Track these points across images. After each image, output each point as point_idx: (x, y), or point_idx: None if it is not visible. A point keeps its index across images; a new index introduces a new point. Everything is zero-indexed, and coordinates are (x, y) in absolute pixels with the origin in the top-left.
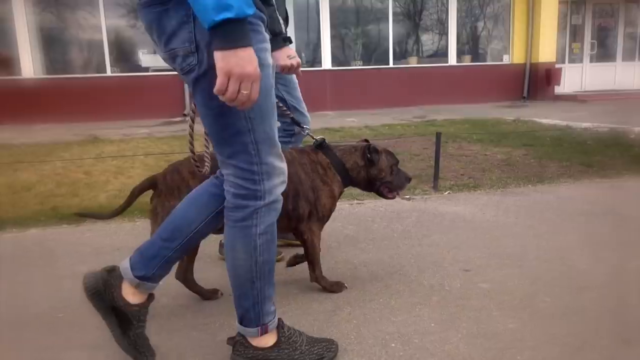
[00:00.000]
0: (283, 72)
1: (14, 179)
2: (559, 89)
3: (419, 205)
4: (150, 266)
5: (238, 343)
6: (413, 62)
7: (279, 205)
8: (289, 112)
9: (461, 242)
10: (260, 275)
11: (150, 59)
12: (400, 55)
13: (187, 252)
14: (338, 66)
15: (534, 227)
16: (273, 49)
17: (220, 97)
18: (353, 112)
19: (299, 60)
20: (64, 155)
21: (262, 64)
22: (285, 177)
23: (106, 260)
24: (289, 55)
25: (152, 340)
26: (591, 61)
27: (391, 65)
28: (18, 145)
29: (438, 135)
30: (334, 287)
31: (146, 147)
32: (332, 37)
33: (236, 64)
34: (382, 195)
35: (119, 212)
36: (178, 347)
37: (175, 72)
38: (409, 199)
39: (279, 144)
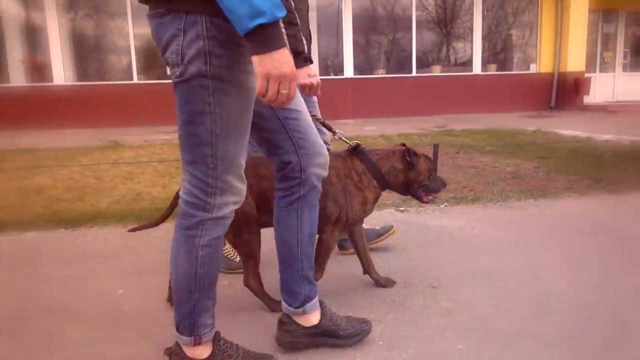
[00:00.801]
0: (303, 91)
1: (29, 182)
2: (588, 99)
3: (410, 218)
4: (297, 293)
5: (174, 353)
6: (437, 71)
7: (228, 222)
8: (319, 118)
9: (439, 257)
10: (199, 287)
11: None
12: (424, 64)
13: (312, 259)
14: (360, 74)
15: (519, 244)
16: (295, 68)
17: (262, 99)
18: (374, 120)
19: (319, 80)
20: (82, 160)
21: (242, 87)
22: (240, 199)
23: (88, 266)
24: (309, 74)
25: None
26: (624, 70)
27: (414, 74)
28: (43, 149)
29: (435, 147)
30: (382, 282)
31: (162, 153)
32: (355, 45)
33: (273, 66)
34: (418, 198)
35: (164, 217)
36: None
37: None
38: (439, 203)
39: (242, 165)
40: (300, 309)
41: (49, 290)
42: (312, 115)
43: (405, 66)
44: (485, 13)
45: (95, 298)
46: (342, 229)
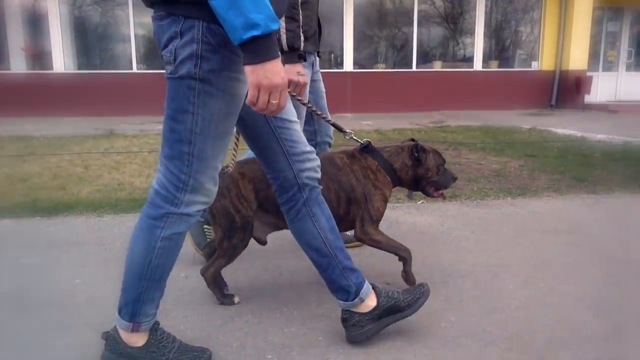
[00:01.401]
0: (289, 88)
1: (18, 170)
2: (590, 98)
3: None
4: (347, 286)
5: (111, 337)
6: (438, 67)
7: (193, 220)
8: (329, 120)
9: None
10: (149, 277)
11: None
12: (425, 59)
13: (344, 249)
14: (360, 68)
15: (485, 242)
16: (286, 62)
17: (253, 108)
18: (373, 115)
19: (306, 80)
20: (75, 148)
21: (229, 92)
22: (210, 201)
23: (52, 254)
24: (299, 72)
25: None
26: (628, 70)
27: (415, 69)
28: (37, 137)
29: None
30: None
31: (154, 144)
32: (355, 39)
33: (264, 77)
34: (427, 194)
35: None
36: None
37: None
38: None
39: (218, 167)
40: (357, 299)
41: (6, 277)
42: (323, 117)
43: (405, 61)
44: (488, 9)
45: (50, 287)
46: (374, 225)
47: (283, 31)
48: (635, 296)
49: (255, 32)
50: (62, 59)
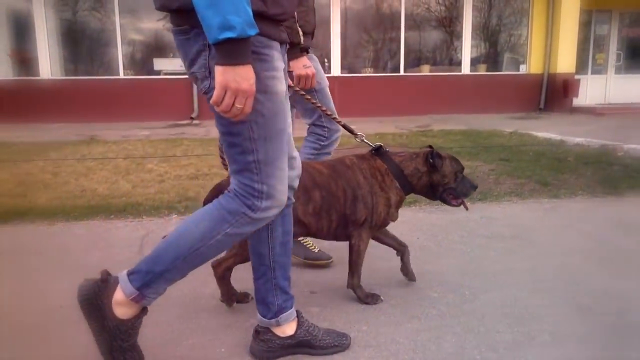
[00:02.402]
0: (299, 82)
1: None
2: (579, 101)
3: None
4: (271, 303)
5: (104, 281)
6: (425, 71)
7: (259, 225)
8: (340, 120)
9: (334, 261)
10: (189, 260)
11: (163, 63)
12: (413, 64)
13: (287, 268)
14: (347, 73)
15: (427, 249)
16: (290, 58)
17: (215, 108)
18: (360, 119)
19: (313, 70)
20: (52, 155)
21: (266, 91)
22: (283, 203)
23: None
24: (305, 64)
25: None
26: (616, 73)
27: (402, 73)
28: (16, 143)
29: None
30: (369, 299)
31: (132, 150)
32: (342, 44)
33: (232, 80)
34: (445, 202)
35: None
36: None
37: (185, 76)
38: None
39: (285, 169)
40: (274, 320)
41: None
42: (327, 114)
43: (393, 65)
44: (476, 13)
45: None
46: (370, 233)
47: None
48: (555, 304)
49: (231, 35)
50: (48, 64)
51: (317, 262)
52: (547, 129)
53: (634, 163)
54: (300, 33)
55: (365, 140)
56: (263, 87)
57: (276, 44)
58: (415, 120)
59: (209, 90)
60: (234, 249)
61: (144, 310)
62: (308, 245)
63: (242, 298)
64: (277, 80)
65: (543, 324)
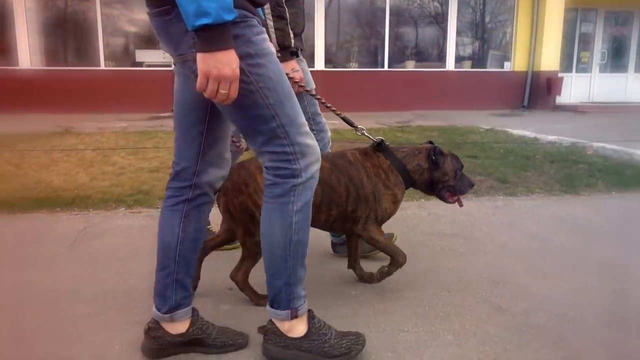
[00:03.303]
0: None
1: None
2: (563, 99)
3: None
4: (168, 298)
5: (270, 331)
6: (410, 66)
7: (315, 183)
8: (339, 113)
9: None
10: (293, 255)
11: (145, 54)
12: (397, 59)
13: (192, 266)
14: (332, 68)
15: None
16: (280, 61)
17: (204, 94)
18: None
19: (301, 74)
20: (21, 146)
21: (265, 53)
22: (319, 156)
23: None
24: (294, 68)
25: None
26: (601, 71)
27: (387, 68)
28: None
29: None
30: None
31: (104, 142)
32: (326, 38)
33: (214, 66)
34: (443, 198)
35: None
36: None
37: (168, 68)
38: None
39: (305, 122)
40: (169, 315)
41: None
42: (327, 106)
43: (377, 60)
44: (460, 9)
45: None
46: (377, 226)
47: (272, 30)
48: (469, 303)
49: (206, 20)
50: (28, 55)
51: (372, 254)
52: (524, 127)
53: (599, 162)
54: (292, 35)
55: (366, 134)
56: (261, 50)
57: (254, 11)
58: (397, 116)
59: None
60: (244, 251)
61: (311, 314)
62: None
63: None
64: (268, 42)
65: (450, 323)
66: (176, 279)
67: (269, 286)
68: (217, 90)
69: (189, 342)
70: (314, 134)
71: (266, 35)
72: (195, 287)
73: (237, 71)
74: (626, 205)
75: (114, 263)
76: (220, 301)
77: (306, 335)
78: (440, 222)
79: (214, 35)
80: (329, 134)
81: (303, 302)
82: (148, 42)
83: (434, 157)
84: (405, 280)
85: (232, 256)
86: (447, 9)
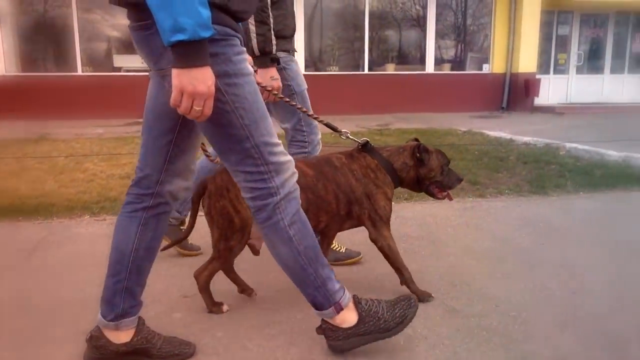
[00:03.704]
0: (262, 95)
1: None
2: (541, 100)
3: None
4: (116, 305)
5: (327, 330)
6: (390, 69)
7: (297, 194)
8: (322, 120)
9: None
10: (308, 261)
11: (123, 59)
12: (377, 62)
13: (144, 275)
14: (313, 71)
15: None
16: (259, 67)
17: (178, 110)
18: (324, 117)
19: (279, 84)
20: None
21: (243, 73)
22: (294, 168)
23: None
24: (272, 76)
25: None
26: (578, 73)
27: (367, 71)
28: None
29: None
30: (420, 295)
31: (80, 148)
32: (307, 41)
33: (189, 83)
34: (432, 195)
35: (190, 228)
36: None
37: (146, 73)
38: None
39: (278, 141)
40: (113, 323)
41: None
42: (309, 114)
43: (358, 64)
44: (439, 12)
45: None
46: (387, 227)
47: (254, 35)
48: (424, 306)
49: (182, 37)
50: (2, 61)
51: (350, 261)
52: (501, 128)
53: (570, 162)
54: (274, 41)
55: (351, 137)
56: (240, 71)
57: (239, 28)
58: (378, 119)
59: None
60: (214, 253)
61: (356, 299)
62: (334, 248)
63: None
64: (247, 62)
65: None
66: (126, 287)
67: (305, 295)
68: (191, 107)
69: (133, 352)
70: (305, 135)
71: (246, 55)
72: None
73: (212, 88)
74: (592, 206)
75: (71, 272)
76: (173, 309)
77: (360, 320)
78: (407, 225)
79: (189, 52)
80: (319, 135)
81: (343, 293)
82: (127, 47)
83: (418, 154)
84: (362, 283)
85: (188, 263)
86: (427, 12)
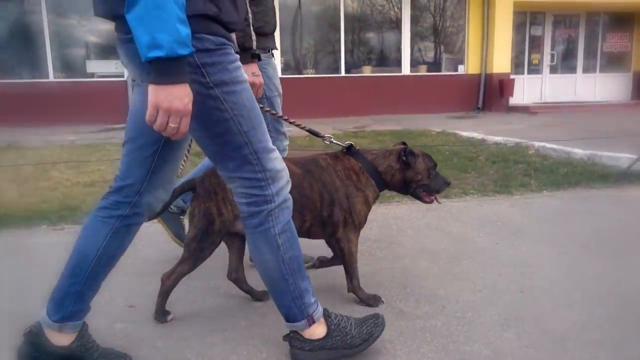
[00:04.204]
0: None
1: None
2: (516, 100)
3: None
4: (64, 306)
5: (293, 339)
6: (366, 72)
7: (290, 204)
8: (304, 126)
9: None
10: (291, 272)
11: (96, 65)
12: (354, 65)
13: (100, 280)
14: (289, 74)
15: None
16: (241, 63)
17: (153, 127)
18: (301, 121)
19: (261, 80)
20: None
21: (239, 81)
22: (288, 177)
23: None
24: (254, 72)
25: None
26: (551, 72)
27: (343, 74)
28: None
29: None
30: (371, 301)
31: (49, 155)
32: (282, 44)
33: (164, 99)
34: (419, 198)
35: (158, 214)
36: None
37: (120, 78)
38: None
39: (275, 148)
40: (57, 324)
41: None
42: (290, 121)
43: (334, 66)
44: (413, 13)
45: None
46: (356, 233)
47: (234, 36)
48: (370, 309)
49: (159, 53)
50: None
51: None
52: (475, 128)
53: (537, 161)
54: (254, 37)
55: (334, 141)
56: (236, 78)
57: (230, 37)
58: (355, 121)
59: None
60: (185, 254)
61: (326, 313)
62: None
63: (262, 296)
64: (241, 69)
65: None
66: (80, 292)
67: (278, 305)
68: (167, 124)
69: (69, 357)
70: (273, 138)
71: (239, 63)
72: None
73: (189, 106)
74: (553, 204)
75: (18, 284)
76: (116, 319)
77: (328, 334)
78: (367, 228)
79: (166, 69)
80: (287, 142)
81: (316, 307)
82: (100, 52)
83: (404, 158)
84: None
85: (137, 272)
86: (402, 14)
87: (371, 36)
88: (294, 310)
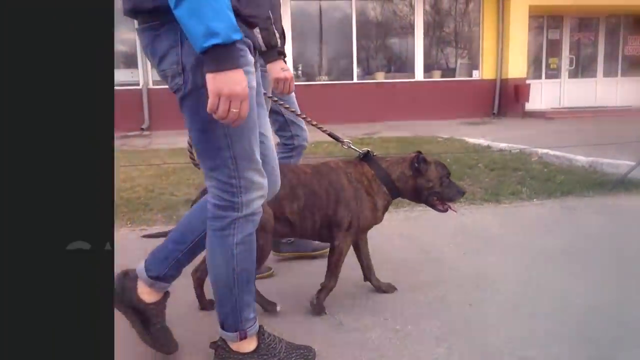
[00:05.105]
0: (277, 85)
1: None
2: (534, 105)
3: None
4: (162, 267)
5: (220, 347)
6: (380, 78)
7: (257, 218)
8: (325, 130)
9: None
10: (237, 284)
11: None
12: (366, 71)
13: (195, 256)
14: (304, 81)
15: None
16: (268, 61)
17: (214, 116)
18: (310, 127)
19: (291, 74)
20: None
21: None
22: (264, 193)
23: None
24: (282, 68)
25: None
26: (570, 77)
27: (356, 80)
28: None
29: None
30: (316, 310)
31: None
32: (295, 51)
33: (225, 85)
34: (433, 206)
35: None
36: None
37: (135, 87)
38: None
39: (259, 160)
40: (151, 280)
41: None
42: (292, 111)
43: (347, 73)
44: (426, 19)
45: None
46: (355, 236)
47: (257, 31)
48: (309, 321)
49: (216, 41)
50: None
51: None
52: (485, 135)
53: (537, 168)
54: (277, 35)
55: (352, 147)
56: None
57: (248, 41)
58: (366, 128)
59: (180, 88)
60: None
61: (261, 331)
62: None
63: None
64: (251, 75)
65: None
66: (179, 258)
67: (217, 310)
68: (229, 110)
69: (140, 311)
70: (293, 132)
71: (251, 68)
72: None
73: (247, 90)
74: (537, 213)
75: None
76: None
77: (255, 351)
78: None
79: (223, 55)
80: (306, 133)
81: (252, 324)
82: (116, 61)
83: (416, 165)
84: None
85: None
86: (415, 20)
87: (384, 42)
88: (229, 320)
